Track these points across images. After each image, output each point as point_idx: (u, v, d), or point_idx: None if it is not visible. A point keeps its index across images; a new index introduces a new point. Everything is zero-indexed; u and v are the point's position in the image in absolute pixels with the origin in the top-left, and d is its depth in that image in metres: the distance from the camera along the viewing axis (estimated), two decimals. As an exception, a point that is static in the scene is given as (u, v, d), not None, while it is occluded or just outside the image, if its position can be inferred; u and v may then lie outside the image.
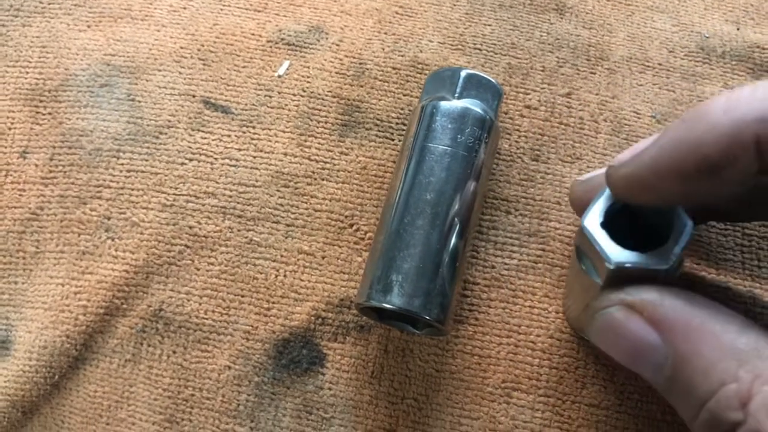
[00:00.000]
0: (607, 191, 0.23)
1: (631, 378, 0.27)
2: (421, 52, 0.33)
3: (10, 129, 0.32)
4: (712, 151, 0.19)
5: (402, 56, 0.33)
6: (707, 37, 0.35)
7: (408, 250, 0.25)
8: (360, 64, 0.33)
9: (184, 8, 0.34)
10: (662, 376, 0.21)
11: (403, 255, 0.25)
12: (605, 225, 0.22)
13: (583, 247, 0.23)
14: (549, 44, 0.34)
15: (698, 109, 0.20)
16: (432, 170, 0.26)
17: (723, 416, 0.19)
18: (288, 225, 0.30)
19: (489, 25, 0.34)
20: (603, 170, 0.24)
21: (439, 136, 0.27)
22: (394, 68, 0.33)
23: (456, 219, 0.26)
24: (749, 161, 0.19)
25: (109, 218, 0.30)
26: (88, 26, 0.34)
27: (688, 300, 0.20)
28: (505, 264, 0.29)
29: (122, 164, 0.31)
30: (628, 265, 0.21)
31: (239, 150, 0.31)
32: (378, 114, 0.32)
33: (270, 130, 0.31)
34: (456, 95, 0.28)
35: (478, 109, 0.27)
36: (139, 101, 0.32)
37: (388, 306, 0.25)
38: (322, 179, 0.31)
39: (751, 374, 0.18)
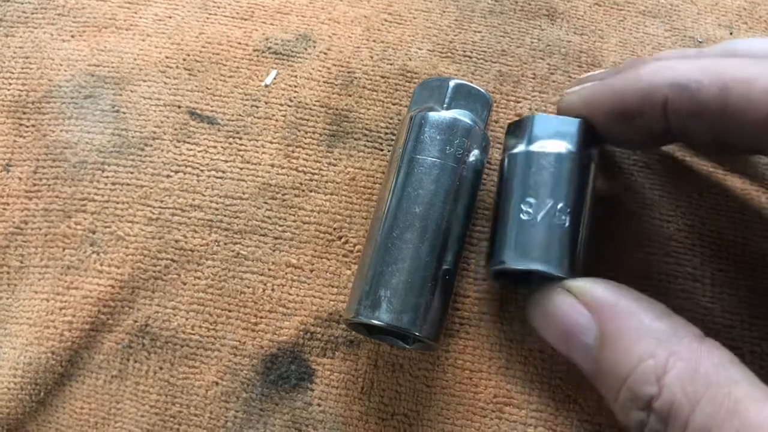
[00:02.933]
0: None
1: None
2: (410, 60, 0.33)
3: (-7, 142, 0.31)
4: (630, 101, 0.24)
5: (391, 64, 0.33)
6: (700, 42, 0.34)
7: (396, 265, 0.25)
8: (348, 72, 0.32)
9: (170, 17, 0.34)
10: (590, 358, 0.22)
11: (391, 270, 0.25)
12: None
13: None
14: (540, 51, 0.33)
15: (638, 64, 0.25)
16: (421, 183, 0.26)
17: (640, 390, 0.20)
18: (276, 238, 0.29)
19: (479, 32, 0.34)
20: (597, 72, 0.29)
21: (428, 147, 0.26)
22: (382, 77, 0.32)
23: (445, 232, 0.26)
24: (656, 117, 0.24)
25: (94, 232, 0.29)
26: (72, 36, 0.33)
27: (617, 287, 0.23)
28: (497, 276, 0.29)
29: (107, 177, 0.30)
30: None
31: (226, 162, 0.30)
32: (367, 123, 0.31)
33: (257, 141, 0.31)
34: (444, 106, 0.27)
35: (467, 120, 0.27)
36: (124, 112, 0.31)
37: (376, 322, 0.24)
38: (310, 191, 0.30)
39: (667, 351, 0.20)
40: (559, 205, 0.25)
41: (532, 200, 0.25)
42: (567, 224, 0.25)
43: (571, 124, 0.26)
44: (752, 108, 0.22)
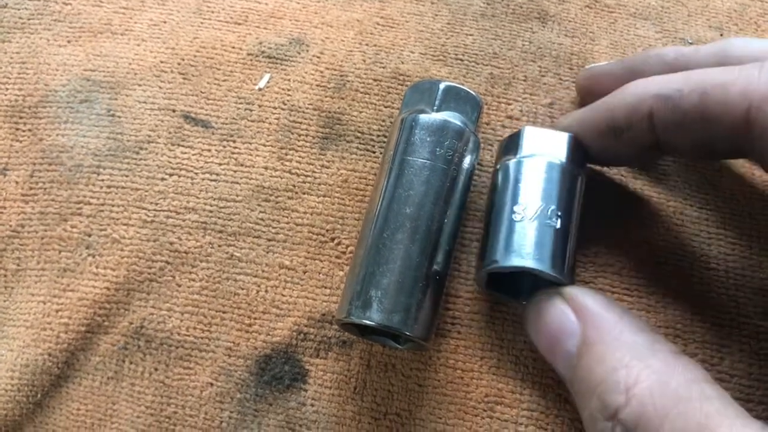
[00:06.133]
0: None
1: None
2: (402, 63, 0.33)
3: (-10, 146, 0.32)
4: (618, 115, 0.25)
5: (383, 68, 0.33)
6: (691, 43, 0.35)
7: (387, 265, 0.25)
8: (341, 76, 0.33)
9: (164, 22, 0.34)
10: (570, 366, 0.23)
11: (382, 270, 0.25)
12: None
13: None
14: (531, 53, 0.34)
15: (630, 83, 0.26)
16: (411, 184, 0.26)
17: (608, 399, 0.20)
18: (269, 240, 0.30)
19: (471, 35, 0.34)
20: (603, 63, 0.31)
21: (418, 149, 0.27)
22: (375, 80, 0.33)
23: (436, 232, 0.26)
24: (644, 129, 0.25)
25: (89, 235, 0.30)
26: (68, 41, 0.34)
27: (607, 300, 0.24)
28: (488, 276, 0.29)
29: (102, 180, 0.31)
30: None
31: (220, 164, 0.31)
32: (359, 126, 0.32)
33: (250, 143, 0.31)
34: (435, 108, 0.28)
35: (457, 122, 0.27)
36: (119, 116, 0.32)
37: (367, 322, 0.24)
38: (303, 193, 0.30)
39: (640, 363, 0.20)
40: (550, 208, 0.25)
41: (523, 203, 0.25)
42: (558, 226, 0.25)
43: (561, 138, 0.27)
44: (729, 111, 0.22)
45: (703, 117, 0.23)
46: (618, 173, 0.31)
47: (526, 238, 0.25)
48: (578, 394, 0.22)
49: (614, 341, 0.22)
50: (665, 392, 0.19)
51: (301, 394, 0.28)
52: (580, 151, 0.27)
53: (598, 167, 0.31)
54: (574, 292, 0.24)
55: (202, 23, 0.34)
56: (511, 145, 0.28)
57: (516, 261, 0.25)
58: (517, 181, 0.26)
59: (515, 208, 0.26)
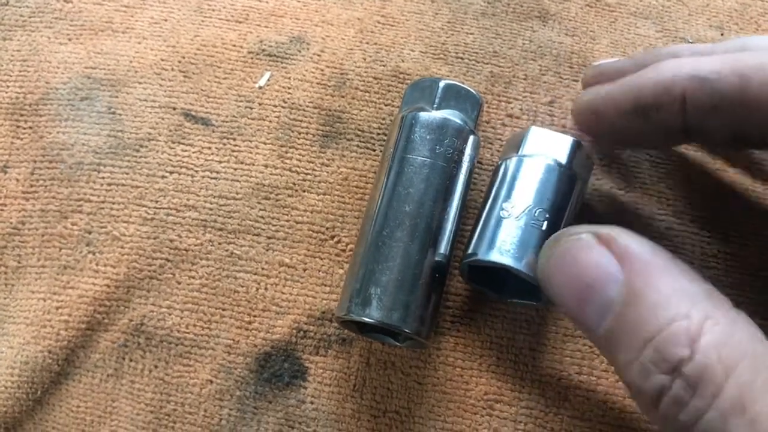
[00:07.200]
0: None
1: (613, 389, 0.27)
2: (402, 61, 0.33)
3: (-10, 143, 0.32)
4: (648, 94, 0.24)
5: (383, 66, 0.33)
6: (691, 43, 0.35)
7: (387, 263, 0.25)
8: (341, 74, 0.33)
9: (165, 20, 0.34)
10: (607, 316, 0.20)
11: (381, 268, 0.25)
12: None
13: None
14: (532, 52, 0.34)
15: (661, 62, 0.25)
16: (411, 181, 0.26)
17: (669, 352, 0.18)
18: (269, 237, 0.30)
19: (471, 34, 0.34)
20: (612, 60, 0.30)
21: (418, 147, 0.27)
22: (375, 78, 0.33)
23: (435, 230, 0.26)
24: (674, 112, 0.24)
25: (90, 232, 0.30)
26: (69, 39, 0.34)
27: (651, 243, 0.21)
28: (488, 274, 0.29)
29: (103, 178, 0.31)
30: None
31: (220, 162, 0.31)
32: (359, 124, 0.32)
33: (251, 141, 0.31)
34: (435, 106, 0.28)
35: (457, 120, 0.27)
36: (120, 114, 0.32)
37: (366, 319, 0.24)
38: (303, 191, 0.30)
39: (702, 314, 0.19)
40: (539, 210, 0.25)
41: (513, 201, 0.26)
42: (544, 228, 0.25)
43: (565, 141, 0.27)
44: None
45: (741, 100, 0.22)
46: (619, 173, 0.31)
47: (509, 236, 0.25)
48: (620, 346, 0.20)
49: (669, 289, 0.19)
50: (730, 345, 0.18)
51: (301, 392, 0.28)
52: (583, 157, 0.27)
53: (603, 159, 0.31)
54: (616, 233, 0.21)
55: (202, 21, 0.34)
56: (516, 142, 0.28)
57: (495, 257, 0.25)
58: (513, 178, 0.26)
59: (504, 205, 0.26)
